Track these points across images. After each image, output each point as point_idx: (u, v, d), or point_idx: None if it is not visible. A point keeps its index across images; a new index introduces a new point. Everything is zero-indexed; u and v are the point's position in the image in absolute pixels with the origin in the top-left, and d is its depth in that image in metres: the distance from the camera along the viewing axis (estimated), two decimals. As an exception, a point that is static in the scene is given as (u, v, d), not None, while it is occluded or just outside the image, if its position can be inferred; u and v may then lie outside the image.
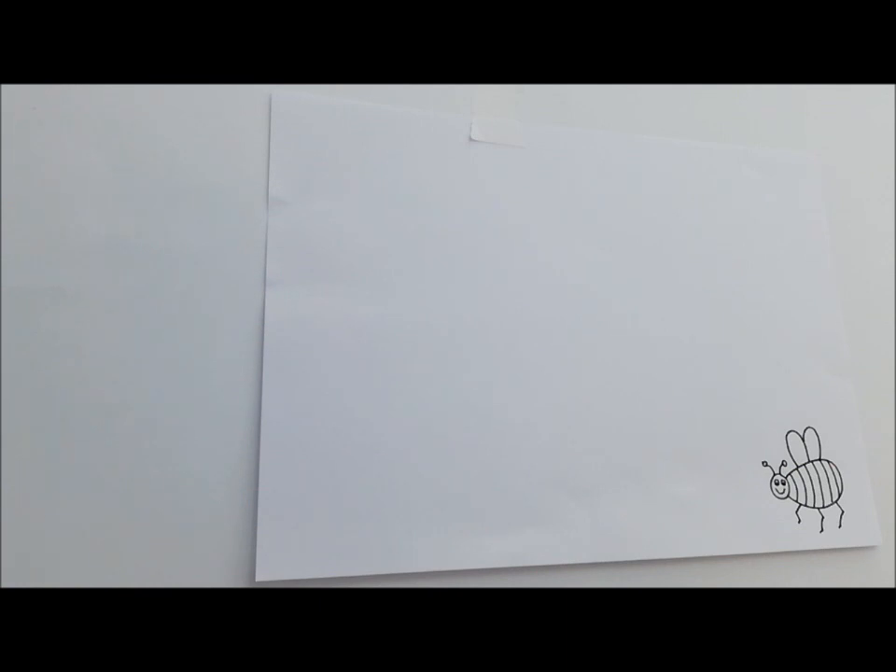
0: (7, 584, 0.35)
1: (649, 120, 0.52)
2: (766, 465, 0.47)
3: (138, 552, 0.37)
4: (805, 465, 0.48)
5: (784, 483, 0.47)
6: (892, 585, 0.48)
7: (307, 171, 0.44)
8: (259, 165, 0.44)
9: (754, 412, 0.48)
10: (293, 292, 0.42)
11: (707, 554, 0.44)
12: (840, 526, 0.47)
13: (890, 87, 0.60)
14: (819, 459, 0.48)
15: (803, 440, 0.48)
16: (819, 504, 0.47)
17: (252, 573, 0.37)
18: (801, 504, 0.47)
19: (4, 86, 0.41)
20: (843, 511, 0.48)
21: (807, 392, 0.50)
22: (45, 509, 0.36)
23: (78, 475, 0.37)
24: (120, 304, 0.40)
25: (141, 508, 0.37)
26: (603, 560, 0.42)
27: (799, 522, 0.47)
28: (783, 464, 0.48)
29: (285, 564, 0.38)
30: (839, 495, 0.48)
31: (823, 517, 0.47)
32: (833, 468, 0.48)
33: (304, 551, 0.38)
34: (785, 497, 0.47)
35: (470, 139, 0.48)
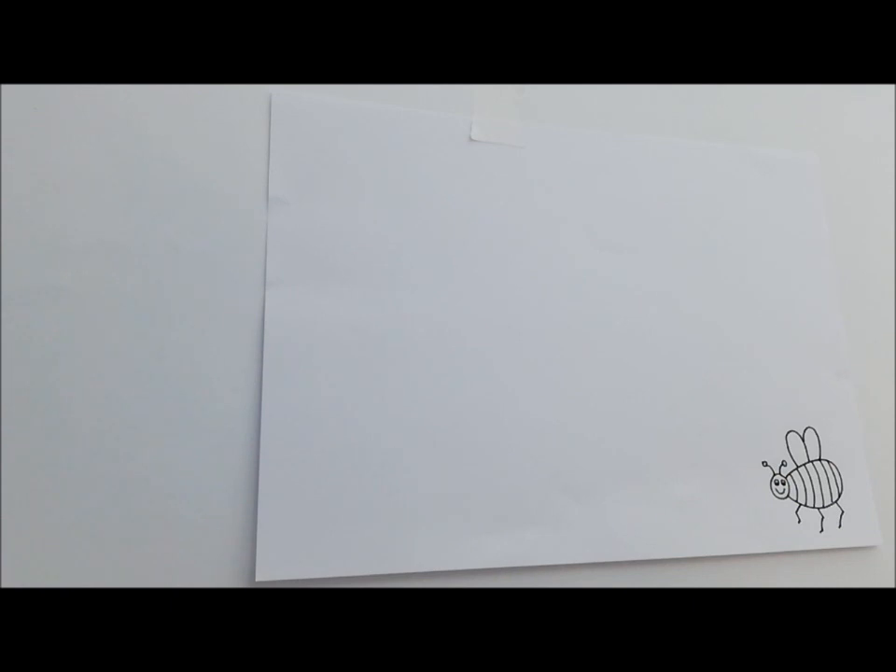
0: (6, 584, 0.35)
1: (649, 120, 0.52)
2: (766, 465, 0.47)
3: (138, 552, 0.37)
4: (804, 465, 0.48)
5: (784, 483, 0.47)
6: (892, 585, 0.48)
7: (307, 171, 0.44)
8: (259, 165, 0.44)
9: (754, 411, 0.48)
10: (293, 292, 0.42)
11: (707, 554, 0.44)
12: (840, 526, 0.47)
13: (890, 87, 0.60)
14: (819, 459, 0.48)
15: (803, 440, 0.48)
16: (818, 504, 0.47)
17: (252, 573, 0.37)
18: (801, 504, 0.47)
19: (4, 86, 0.41)
20: (843, 511, 0.48)
21: (807, 392, 0.50)
22: (45, 509, 0.36)
23: (78, 475, 0.37)
24: (120, 304, 0.40)
25: (141, 508, 0.37)
26: (603, 560, 0.42)
27: (799, 522, 0.47)
28: (783, 464, 0.48)
29: (284, 564, 0.38)
30: (839, 495, 0.48)
31: (823, 517, 0.47)
32: (833, 468, 0.48)
33: (304, 551, 0.38)
34: (785, 497, 0.47)
35: (470, 139, 0.48)
